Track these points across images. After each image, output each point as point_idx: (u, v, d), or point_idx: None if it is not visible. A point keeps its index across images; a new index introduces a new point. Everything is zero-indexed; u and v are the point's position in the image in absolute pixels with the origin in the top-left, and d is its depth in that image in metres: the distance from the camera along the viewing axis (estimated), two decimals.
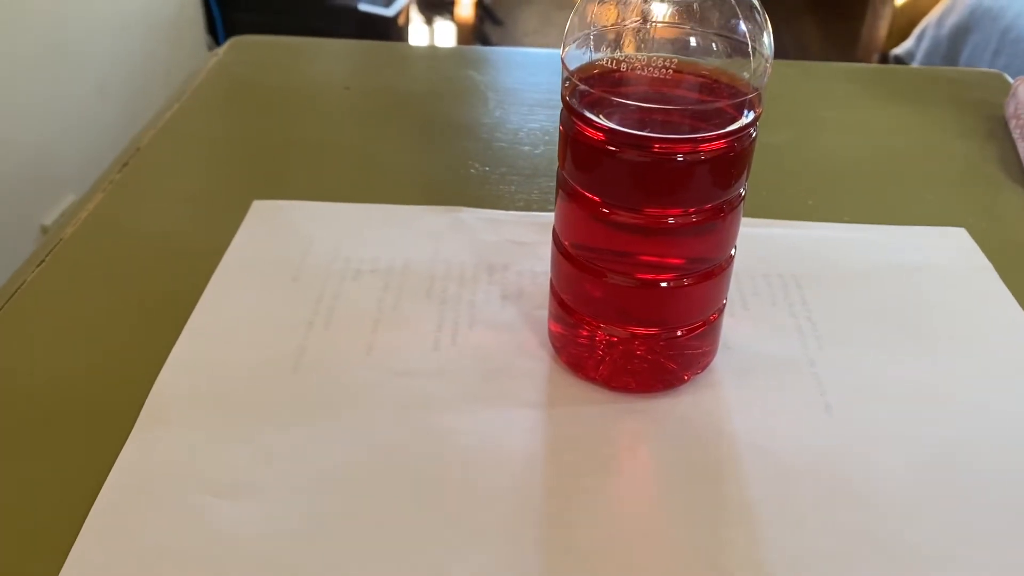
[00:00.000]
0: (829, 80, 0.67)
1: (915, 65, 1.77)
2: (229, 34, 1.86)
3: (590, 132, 0.33)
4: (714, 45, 0.32)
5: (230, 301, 0.42)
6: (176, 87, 0.63)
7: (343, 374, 0.38)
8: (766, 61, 0.32)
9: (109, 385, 0.37)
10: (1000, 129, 0.60)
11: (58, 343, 0.40)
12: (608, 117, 0.32)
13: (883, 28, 1.91)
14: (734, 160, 0.33)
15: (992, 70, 0.68)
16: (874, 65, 0.68)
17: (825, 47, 2.88)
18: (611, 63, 0.31)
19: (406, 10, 2.03)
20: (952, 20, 1.66)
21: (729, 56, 0.32)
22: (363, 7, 1.81)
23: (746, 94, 0.32)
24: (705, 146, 0.32)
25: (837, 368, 0.40)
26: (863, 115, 0.62)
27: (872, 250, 0.47)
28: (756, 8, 0.32)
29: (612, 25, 0.32)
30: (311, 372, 0.38)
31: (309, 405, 0.37)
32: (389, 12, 1.85)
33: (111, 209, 0.50)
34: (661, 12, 0.32)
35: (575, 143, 0.34)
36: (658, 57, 0.31)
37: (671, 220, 0.34)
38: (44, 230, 1.37)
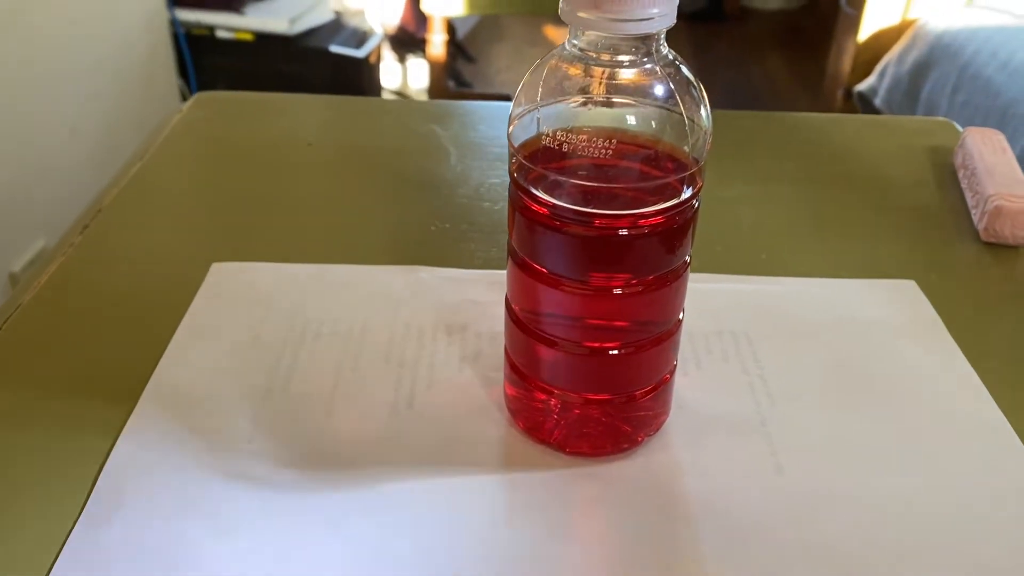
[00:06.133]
0: (785, 130, 0.69)
1: (878, 101, 1.80)
2: (200, 77, 1.87)
3: (535, 207, 0.34)
4: (654, 122, 0.33)
5: (187, 367, 0.43)
6: (143, 139, 0.64)
7: (301, 443, 0.39)
8: (705, 134, 0.33)
9: (66, 457, 0.37)
10: (950, 178, 0.61)
11: (14, 413, 0.40)
12: (551, 193, 0.33)
13: (847, 63, 1.95)
14: (677, 232, 0.34)
15: (942, 119, 0.70)
16: (829, 115, 0.70)
17: (792, 80, 2.93)
18: (553, 141, 0.32)
19: (378, 49, 2.05)
20: (912, 57, 1.70)
21: (669, 131, 0.33)
22: (335, 49, 1.83)
23: (687, 168, 0.33)
24: (646, 221, 0.33)
25: (788, 426, 0.40)
26: (818, 166, 0.63)
27: (824, 305, 0.48)
28: (692, 84, 0.33)
29: (555, 102, 0.33)
30: (268, 440, 0.39)
31: (266, 476, 0.37)
32: (360, 54, 1.87)
33: (71, 274, 0.50)
34: (602, 90, 0.33)
35: (521, 216, 0.35)
36: (598, 136, 0.32)
37: (617, 291, 0.35)
38: (12, 277, 1.36)
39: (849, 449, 0.39)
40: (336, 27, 1.93)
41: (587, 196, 0.32)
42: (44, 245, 1.42)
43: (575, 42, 0.32)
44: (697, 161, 0.33)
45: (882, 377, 0.43)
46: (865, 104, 1.88)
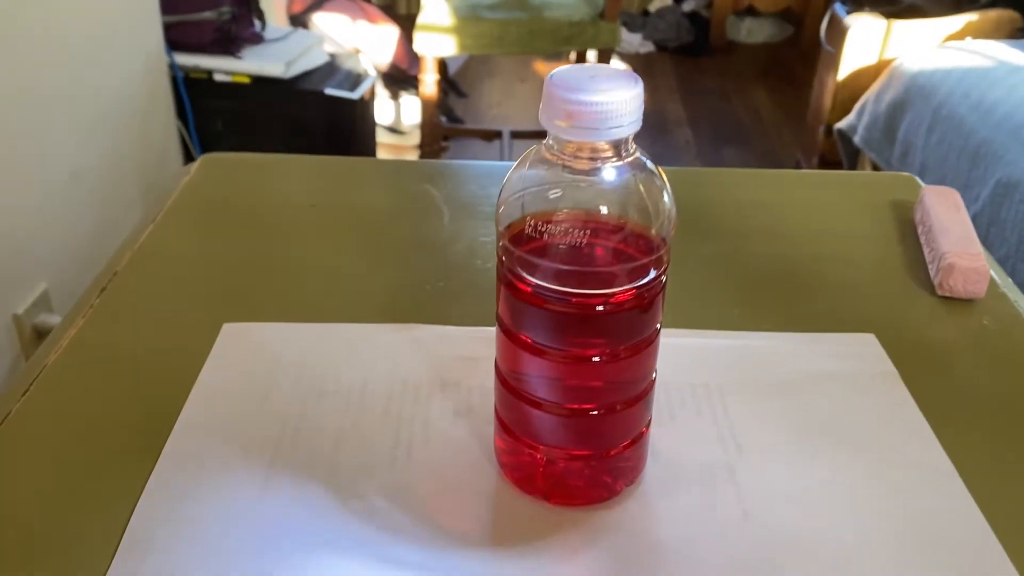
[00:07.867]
0: (758, 188, 0.73)
1: (857, 139, 1.86)
2: (198, 118, 1.92)
3: (519, 284, 0.38)
4: (624, 211, 0.37)
5: (203, 427, 0.46)
6: (153, 199, 0.68)
7: (307, 497, 0.42)
8: (669, 219, 0.37)
9: (90, 516, 0.41)
10: (911, 233, 0.66)
11: (40, 474, 0.44)
12: (532, 273, 0.37)
13: (828, 101, 2.01)
14: (647, 306, 0.38)
15: (906, 174, 0.74)
16: (798, 171, 0.74)
17: (776, 113, 3.00)
18: (534, 228, 0.36)
19: (371, 89, 2.10)
20: (889, 97, 1.75)
21: (637, 218, 0.37)
22: (329, 91, 1.88)
23: (654, 251, 0.37)
24: (620, 298, 0.37)
25: (754, 475, 0.44)
26: (788, 223, 0.67)
27: (789, 358, 0.52)
28: (656, 175, 0.37)
29: (536, 192, 0.37)
30: (278, 496, 0.42)
31: (276, 532, 0.40)
32: (354, 95, 1.92)
33: (91, 335, 0.53)
34: (578, 183, 0.37)
35: (507, 290, 0.39)
36: (574, 223, 0.36)
37: (595, 358, 0.39)
38: (16, 319, 1.40)
39: (810, 496, 0.43)
40: (330, 70, 1.98)
41: (565, 277, 0.36)
42: (46, 287, 1.46)
43: (552, 143, 0.36)
44: (663, 243, 0.38)
45: (841, 428, 0.47)
46: (845, 141, 1.93)
